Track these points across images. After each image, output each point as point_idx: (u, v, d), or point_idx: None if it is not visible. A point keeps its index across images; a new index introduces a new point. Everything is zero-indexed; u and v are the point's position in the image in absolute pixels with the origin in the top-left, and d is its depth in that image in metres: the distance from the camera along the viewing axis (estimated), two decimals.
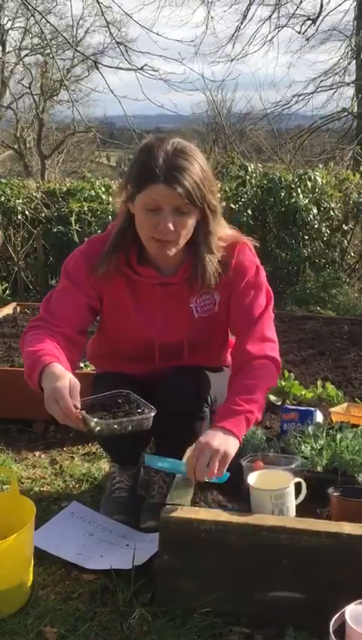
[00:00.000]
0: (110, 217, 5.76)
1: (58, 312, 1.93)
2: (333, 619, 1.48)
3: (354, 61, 13.55)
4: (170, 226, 1.79)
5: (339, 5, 14.58)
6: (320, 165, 7.38)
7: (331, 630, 1.45)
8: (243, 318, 1.99)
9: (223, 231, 1.96)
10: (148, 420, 1.74)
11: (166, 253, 1.86)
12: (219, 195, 1.91)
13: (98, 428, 1.67)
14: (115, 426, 1.69)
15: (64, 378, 1.67)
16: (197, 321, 2.02)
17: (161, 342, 2.03)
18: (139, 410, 1.77)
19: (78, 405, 1.66)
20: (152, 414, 1.74)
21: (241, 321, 1.99)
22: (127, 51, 8.55)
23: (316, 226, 5.73)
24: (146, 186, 1.77)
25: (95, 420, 1.67)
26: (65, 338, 1.87)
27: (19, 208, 6.07)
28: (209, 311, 2.02)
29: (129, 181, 1.85)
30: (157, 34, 8.57)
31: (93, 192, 6.19)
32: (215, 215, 1.89)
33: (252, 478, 1.80)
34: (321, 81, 14.00)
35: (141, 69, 8.04)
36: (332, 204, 5.85)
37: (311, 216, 5.63)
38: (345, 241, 5.96)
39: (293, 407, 2.34)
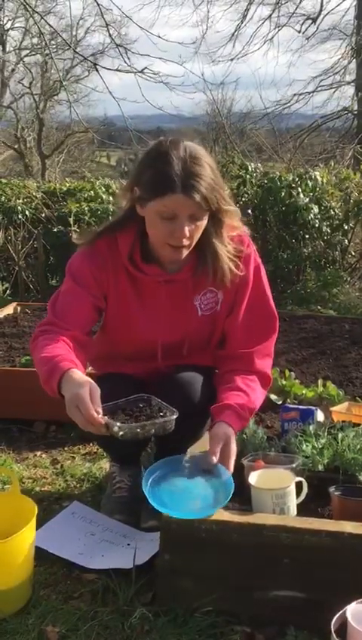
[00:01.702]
0: (109, 217, 5.76)
1: (66, 315, 1.92)
2: (335, 618, 1.48)
3: (355, 60, 13.55)
4: (186, 232, 1.80)
5: (339, 4, 14.58)
6: (321, 164, 7.38)
7: (332, 629, 1.45)
8: (253, 330, 2.01)
9: (234, 224, 1.95)
10: (171, 422, 1.72)
11: (179, 257, 1.87)
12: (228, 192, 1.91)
13: (121, 432, 1.66)
14: (138, 430, 1.68)
15: (85, 384, 1.67)
16: (201, 319, 2.02)
17: (164, 341, 2.03)
18: (161, 414, 1.75)
19: (100, 411, 1.65)
20: (174, 417, 1.73)
21: (250, 333, 2.01)
22: (126, 53, 8.55)
23: (316, 225, 5.72)
24: (163, 195, 1.76)
25: (118, 424, 1.66)
26: (75, 341, 1.88)
27: (19, 208, 6.07)
28: (212, 309, 2.02)
29: (138, 185, 1.83)
30: (158, 36, 8.57)
31: (93, 192, 6.18)
32: (226, 214, 1.89)
33: (253, 478, 1.80)
34: (321, 80, 14.02)
35: (141, 72, 8.03)
36: (333, 204, 5.84)
37: (312, 215, 5.62)
38: (346, 240, 5.96)
39: (294, 406, 2.34)
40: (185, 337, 2.03)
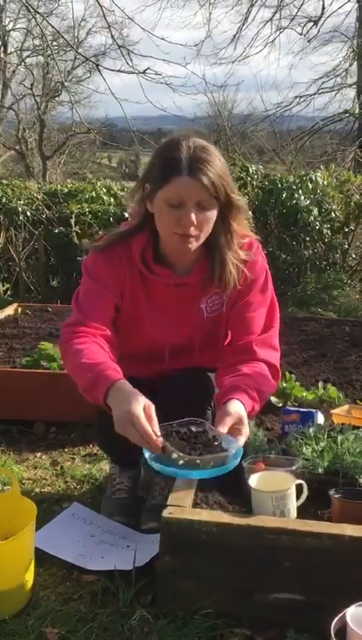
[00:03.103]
0: (111, 219, 5.77)
1: (92, 314, 1.90)
2: (334, 621, 1.48)
3: (356, 63, 13.57)
4: (193, 219, 1.78)
5: (341, 7, 14.54)
6: (322, 167, 7.37)
7: (332, 632, 1.45)
8: (253, 324, 1.98)
9: (243, 230, 1.95)
10: (229, 457, 1.68)
11: (187, 247, 1.83)
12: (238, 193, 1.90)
13: (181, 462, 1.62)
14: (198, 461, 1.64)
15: (137, 400, 1.60)
16: (205, 321, 2.02)
17: (172, 342, 2.03)
18: (216, 443, 1.70)
19: (157, 431, 1.60)
20: (233, 452, 1.68)
21: (249, 327, 1.99)
22: (128, 54, 8.55)
23: (317, 227, 5.73)
24: (170, 180, 1.76)
25: (177, 453, 1.61)
26: (108, 340, 1.86)
27: (20, 209, 6.08)
28: (217, 311, 2.02)
29: (148, 180, 1.84)
30: (160, 37, 8.55)
31: (94, 193, 6.19)
32: (236, 212, 1.88)
33: (253, 480, 1.80)
34: (323, 82, 14.01)
35: (143, 72, 8.02)
36: (334, 206, 5.85)
37: (312, 217, 5.63)
38: (346, 243, 5.96)
39: (294, 408, 2.34)
40: (192, 339, 2.04)
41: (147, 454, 1.64)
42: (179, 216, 1.78)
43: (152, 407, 1.63)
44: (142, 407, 1.60)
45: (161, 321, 2.00)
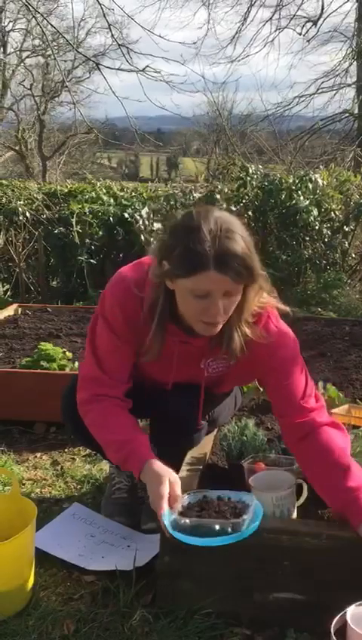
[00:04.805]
0: (110, 219, 5.77)
1: (113, 372, 1.89)
2: (334, 620, 1.48)
3: (355, 62, 13.57)
4: (221, 310, 1.69)
5: (340, 7, 14.54)
6: (321, 166, 7.38)
7: (332, 631, 1.45)
8: (293, 395, 1.84)
9: (259, 301, 1.82)
10: (228, 524, 1.60)
11: (214, 332, 1.76)
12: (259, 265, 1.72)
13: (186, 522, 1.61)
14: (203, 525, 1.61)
15: (164, 481, 1.67)
16: (208, 378, 1.99)
17: (175, 383, 2.01)
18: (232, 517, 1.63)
19: (179, 507, 1.65)
20: (231, 522, 1.59)
21: (292, 399, 1.85)
22: (128, 53, 8.56)
23: (317, 227, 5.73)
24: (195, 274, 1.62)
25: (186, 519, 1.61)
26: (125, 399, 1.90)
27: (20, 210, 6.08)
28: (220, 372, 1.99)
29: (168, 259, 1.68)
30: (159, 36, 8.59)
31: (94, 193, 6.19)
32: (255, 288, 1.76)
33: (253, 480, 1.80)
34: (322, 82, 14.01)
35: (143, 70, 8.03)
36: (333, 206, 5.85)
37: (312, 217, 5.63)
38: (346, 243, 5.97)
39: None
40: (201, 388, 2.01)
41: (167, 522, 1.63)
42: (206, 306, 1.68)
43: (178, 483, 1.69)
44: (167, 486, 1.66)
45: (164, 370, 1.96)
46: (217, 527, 1.57)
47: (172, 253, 1.66)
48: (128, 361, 1.91)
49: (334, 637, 1.44)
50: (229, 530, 1.56)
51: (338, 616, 1.49)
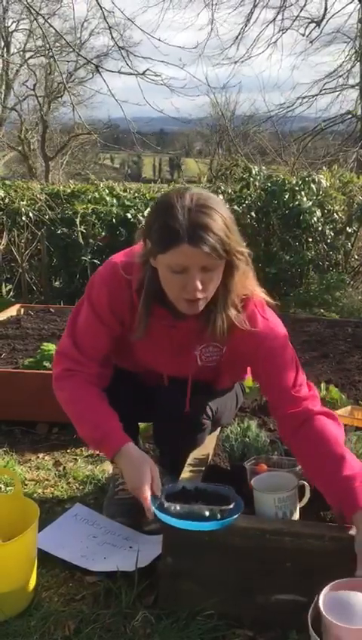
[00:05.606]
0: (113, 220, 5.77)
1: (87, 350, 1.92)
2: (309, 610, 1.45)
3: (359, 63, 13.57)
4: (199, 285, 1.70)
5: (343, 8, 14.53)
6: (324, 167, 7.37)
7: (309, 622, 1.42)
8: (285, 385, 1.86)
9: (245, 284, 1.84)
10: (218, 510, 1.65)
11: (196, 310, 1.78)
12: (243, 248, 1.76)
13: (174, 508, 1.67)
14: (195, 509, 1.67)
15: (145, 465, 1.75)
16: (201, 368, 2.00)
17: (169, 374, 2.03)
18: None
19: (158, 493, 1.72)
20: (220, 508, 1.65)
21: (284, 389, 1.86)
22: (128, 56, 8.57)
23: (320, 228, 5.72)
24: (170, 248, 1.66)
25: (175, 505, 1.68)
26: (98, 377, 1.93)
27: (23, 210, 6.08)
28: (214, 361, 2.00)
29: (148, 237, 1.73)
30: (159, 39, 8.60)
31: (97, 194, 6.20)
32: (239, 267, 1.78)
33: (255, 481, 1.80)
34: (325, 83, 14.05)
35: (143, 74, 8.04)
36: (336, 207, 5.84)
37: (315, 218, 5.62)
38: (349, 244, 5.96)
39: None
40: (190, 377, 2.02)
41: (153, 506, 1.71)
42: (184, 281, 1.70)
43: (156, 470, 1.77)
44: (148, 473, 1.74)
45: (158, 358, 1.98)
46: (207, 512, 1.63)
47: (151, 231, 1.72)
48: (105, 344, 1.95)
49: (311, 628, 1.42)
50: (219, 516, 1.63)
51: (312, 604, 1.46)
